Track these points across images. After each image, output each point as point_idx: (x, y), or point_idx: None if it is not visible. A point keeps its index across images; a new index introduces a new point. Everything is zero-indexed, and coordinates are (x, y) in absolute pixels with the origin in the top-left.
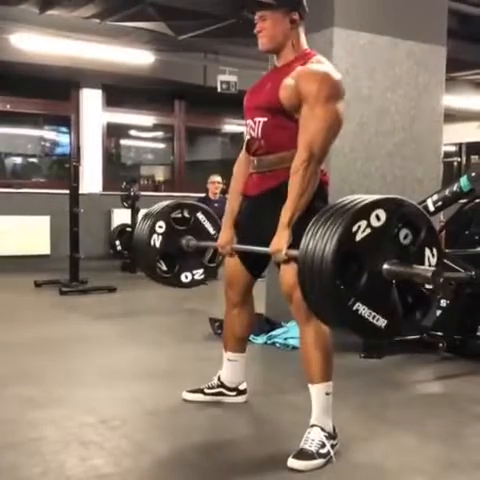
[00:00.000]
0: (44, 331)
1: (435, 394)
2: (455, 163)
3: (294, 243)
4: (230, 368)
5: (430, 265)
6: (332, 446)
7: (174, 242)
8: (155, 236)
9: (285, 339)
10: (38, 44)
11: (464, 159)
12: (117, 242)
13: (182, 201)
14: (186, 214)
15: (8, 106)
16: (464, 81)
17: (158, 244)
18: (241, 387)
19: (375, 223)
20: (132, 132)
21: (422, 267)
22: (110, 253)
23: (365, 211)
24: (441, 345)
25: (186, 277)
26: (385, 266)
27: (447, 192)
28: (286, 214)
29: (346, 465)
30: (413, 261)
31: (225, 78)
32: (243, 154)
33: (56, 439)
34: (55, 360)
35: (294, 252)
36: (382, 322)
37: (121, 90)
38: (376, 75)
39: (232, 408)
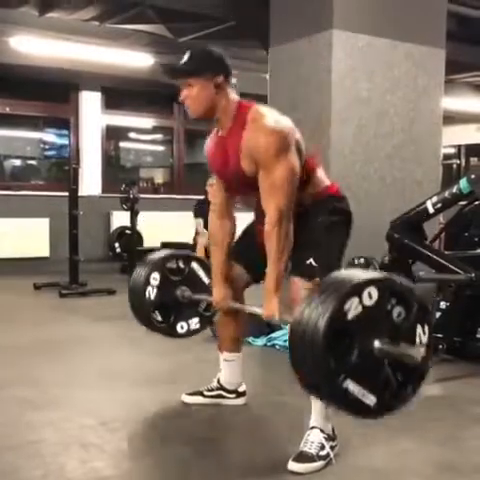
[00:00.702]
0: (43, 333)
1: (435, 396)
2: (454, 165)
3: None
4: (228, 369)
5: (421, 342)
6: (331, 447)
7: (169, 293)
8: (150, 288)
9: (285, 341)
10: (37, 47)
11: (463, 161)
12: (116, 244)
13: (177, 252)
14: (181, 264)
15: (7, 108)
16: (463, 83)
17: (153, 296)
18: (240, 389)
19: (367, 301)
20: (131, 134)
21: (413, 349)
22: (109, 255)
23: (358, 289)
24: (441, 347)
25: (182, 327)
26: (376, 344)
27: (447, 194)
28: (271, 281)
29: (346, 467)
30: (404, 338)
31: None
32: (217, 217)
33: (56, 441)
34: (54, 362)
35: (288, 317)
36: (371, 400)
37: (120, 92)
38: (375, 77)
39: (231, 410)
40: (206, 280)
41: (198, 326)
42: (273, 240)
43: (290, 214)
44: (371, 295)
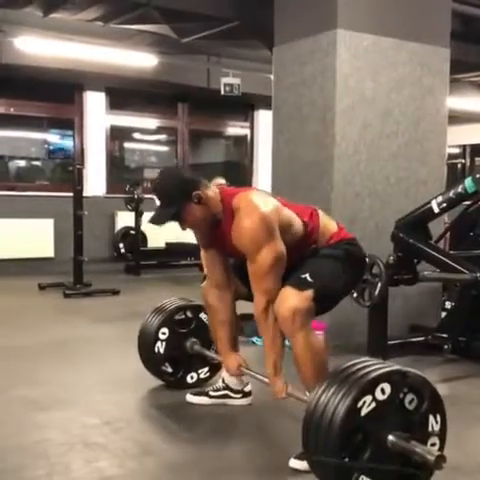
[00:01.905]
0: (48, 334)
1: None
2: (459, 165)
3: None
4: None
5: (434, 431)
6: None
7: (178, 345)
8: (159, 343)
9: (287, 341)
10: (42, 47)
11: (468, 161)
12: (121, 245)
13: (185, 303)
14: (189, 315)
15: (12, 109)
16: (468, 83)
17: (162, 350)
18: (246, 389)
19: (380, 397)
20: (136, 135)
21: (426, 449)
22: (114, 256)
23: (370, 386)
24: (446, 347)
25: (192, 378)
26: (390, 438)
27: (451, 194)
28: (269, 365)
29: None
30: (417, 428)
31: (228, 81)
32: (216, 290)
33: (61, 441)
34: (59, 363)
35: (296, 393)
36: None
37: (125, 93)
38: (380, 77)
39: (236, 410)
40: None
41: (208, 375)
42: (263, 328)
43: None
44: (384, 391)
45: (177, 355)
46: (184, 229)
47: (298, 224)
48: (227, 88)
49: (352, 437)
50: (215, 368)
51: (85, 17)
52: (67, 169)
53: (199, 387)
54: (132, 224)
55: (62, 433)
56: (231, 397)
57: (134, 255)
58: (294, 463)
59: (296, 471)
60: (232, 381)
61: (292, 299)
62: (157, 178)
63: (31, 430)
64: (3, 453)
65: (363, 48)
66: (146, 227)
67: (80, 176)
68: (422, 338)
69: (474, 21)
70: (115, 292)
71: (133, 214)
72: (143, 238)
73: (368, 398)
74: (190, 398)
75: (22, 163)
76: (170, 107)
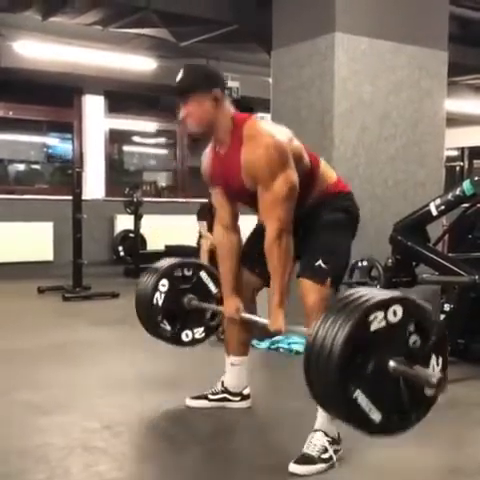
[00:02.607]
0: (48, 337)
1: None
2: (457, 167)
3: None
4: (234, 373)
5: (433, 373)
6: (335, 451)
7: (176, 300)
8: (158, 294)
9: (289, 344)
10: (41, 51)
11: (467, 163)
12: (120, 248)
13: (186, 260)
14: (189, 272)
15: (11, 113)
16: (466, 85)
17: (160, 302)
18: (245, 392)
19: (391, 318)
20: (135, 138)
21: (429, 371)
22: (113, 259)
23: (385, 303)
24: None
25: (187, 336)
26: (392, 364)
27: (450, 196)
28: (276, 296)
29: (348, 471)
30: (419, 363)
31: (227, 84)
32: (223, 229)
33: (61, 445)
34: (59, 366)
35: (296, 328)
36: (376, 417)
37: (123, 96)
38: (378, 80)
39: (236, 413)
40: (213, 289)
41: (203, 335)
42: (274, 256)
43: (290, 228)
44: (396, 313)
45: (174, 310)
46: (182, 117)
47: (306, 157)
48: (226, 91)
49: (356, 351)
50: (210, 330)
51: (84, 21)
52: (66, 172)
53: (193, 345)
54: (131, 227)
55: (62, 437)
56: (230, 400)
57: (133, 258)
58: (293, 468)
59: (295, 475)
60: (231, 384)
61: (314, 294)
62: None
63: (32, 434)
64: (4, 457)
65: (361, 51)
66: (145, 230)
67: (79, 179)
68: None
69: (472, 24)
70: (114, 295)
71: (132, 217)
72: (142, 241)
73: (380, 314)
74: (189, 402)
75: (21, 166)
76: (169, 110)
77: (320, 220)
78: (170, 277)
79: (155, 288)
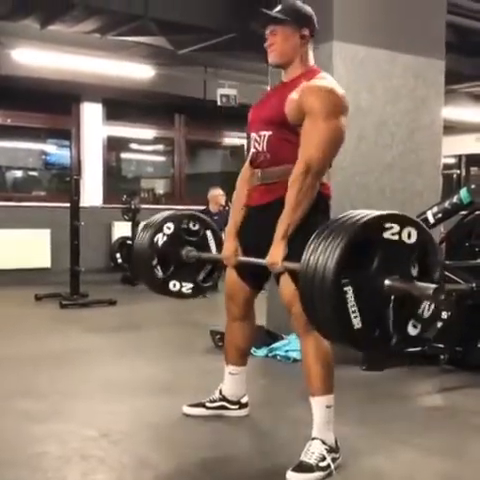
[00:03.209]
0: (45, 345)
1: (437, 407)
2: (455, 175)
3: (291, 254)
4: (232, 381)
5: (422, 315)
6: (333, 459)
7: (176, 247)
8: (160, 235)
9: (286, 351)
10: (39, 59)
11: (464, 171)
12: (118, 255)
13: (196, 214)
14: (195, 227)
15: (9, 120)
16: (463, 93)
17: (160, 243)
18: (243, 400)
19: (405, 237)
20: (132, 145)
21: (424, 284)
22: (111, 266)
23: (403, 220)
24: (442, 357)
25: (174, 286)
26: (387, 281)
27: (447, 204)
28: (281, 227)
29: (348, 478)
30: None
31: (225, 91)
32: (246, 167)
33: (58, 454)
34: (56, 374)
35: (291, 264)
36: (357, 322)
37: (121, 104)
38: (375, 88)
39: (233, 421)
40: (214, 250)
41: (190, 292)
42: (295, 189)
43: (320, 174)
44: (410, 235)
45: (171, 255)
46: (268, 46)
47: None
48: (223, 99)
49: (359, 252)
50: (199, 290)
51: (82, 29)
52: (64, 179)
53: (177, 298)
54: (129, 234)
55: (59, 445)
56: (228, 408)
57: (131, 265)
58: (291, 476)
59: None
60: (230, 393)
61: (290, 285)
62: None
63: (28, 442)
64: None
65: (358, 60)
66: None
67: (77, 186)
68: (418, 348)
69: (469, 33)
70: (112, 302)
71: (130, 224)
72: None
73: (396, 227)
74: (187, 410)
75: (19, 173)
76: (167, 118)
77: (306, 222)
78: (177, 223)
79: (160, 228)
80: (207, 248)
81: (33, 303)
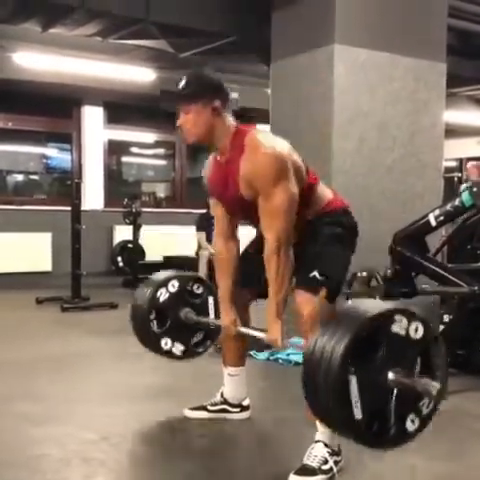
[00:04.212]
0: (46, 348)
1: (439, 410)
2: (456, 178)
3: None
4: (232, 383)
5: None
6: (335, 463)
7: (176, 306)
8: (163, 290)
9: (287, 355)
10: (40, 62)
11: (465, 174)
12: (119, 258)
13: (203, 278)
14: (199, 290)
15: (10, 123)
16: (464, 97)
17: (162, 298)
18: (244, 403)
19: (412, 331)
20: (133, 149)
21: (428, 381)
22: (112, 269)
23: (412, 315)
24: None
25: (166, 343)
26: (391, 374)
27: (449, 207)
28: (272, 306)
29: None
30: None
31: (230, 95)
32: (222, 241)
33: (58, 456)
34: (56, 377)
35: (292, 340)
36: (358, 413)
37: (122, 107)
38: (376, 91)
39: (235, 424)
40: (212, 317)
41: (179, 354)
42: (272, 267)
43: (289, 240)
44: (417, 329)
45: (169, 314)
46: (181, 125)
47: (304, 171)
48: (227, 101)
49: (365, 343)
50: (190, 353)
51: (83, 32)
52: (65, 183)
53: (165, 357)
54: (130, 238)
55: (59, 448)
56: (229, 411)
57: (132, 269)
58: (294, 479)
59: None
60: (230, 395)
61: (308, 305)
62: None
63: (27, 445)
64: None
65: (360, 63)
66: (144, 241)
67: (78, 190)
68: None
69: (470, 36)
70: (113, 306)
71: (131, 228)
72: (141, 252)
73: (404, 321)
74: (188, 413)
75: (20, 177)
76: (168, 121)
77: (317, 235)
78: (183, 283)
79: (165, 284)
80: (206, 314)
81: (34, 306)
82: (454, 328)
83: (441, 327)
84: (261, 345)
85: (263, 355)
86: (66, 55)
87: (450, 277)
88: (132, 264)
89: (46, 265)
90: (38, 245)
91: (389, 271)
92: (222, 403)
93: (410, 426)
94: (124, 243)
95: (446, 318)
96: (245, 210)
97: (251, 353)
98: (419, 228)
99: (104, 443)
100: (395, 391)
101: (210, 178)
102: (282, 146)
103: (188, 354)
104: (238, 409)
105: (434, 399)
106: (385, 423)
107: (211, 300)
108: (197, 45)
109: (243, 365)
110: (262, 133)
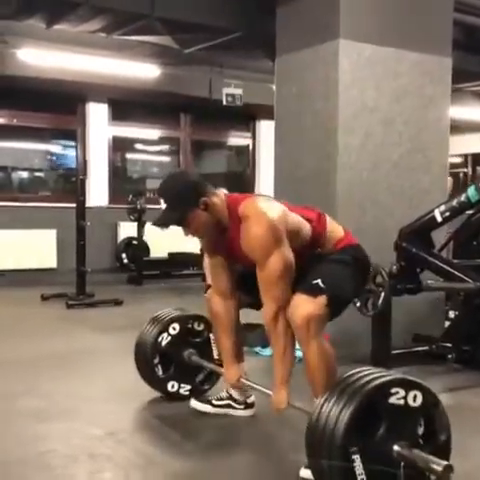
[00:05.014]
0: (51, 345)
1: (444, 405)
2: (461, 174)
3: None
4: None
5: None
6: None
7: (178, 348)
8: (165, 334)
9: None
10: (45, 59)
11: (470, 170)
12: (123, 255)
13: (202, 316)
14: (200, 327)
15: (15, 120)
16: (471, 92)
17: (164, 343)
18: (249, 400)
19: (411, 400)
20: (138, 145)
21: (433, 459)
22: (117, 266)
23: (409, 384)
24: (450, 356)
25: (173, 386)
26: (396, 446)
27: (454, 203)
28: (278, 374)
29: None
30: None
31: (230, 91)
32: (221, 299)
33: (65, 452)
34: (62, 374)
35: (297, 404)
36: None
37: (127, 104)
38: (381, 86)
39: (240, 421)
40: (216, 355)
41: (187, 393)
42: (273, 336)
43: (287, 303)
44: (416, 398)
45: (172, 356)
46: (187, 235)
47: (306, 229)
48: (229, 98)
49: (366, 420)
50: (197, 392)
51: (87, 28)
52: (70, 180)
53: (174, 398)
54: (135, 234)
55: (66, 444)
56: (234, 407)
57: (137, 265)
58: (305, 473)
59: None
60: (235, 391)
61: (305, 306)
62: (164, 181)
63: (34, 441)
64: (6, 465)
65: (365, 58)
66: (149, 237)
67: (83, 187)
68: (426, 347)
69: (476, 31)
70: (118, 302)
71: (136, 224)
72: (146, 248)
73: (401, 392)
74: (194, 403)
75: (25, 174)
76: (172, 118)
77: (326, 258)
78: (183, 323)
79: (166, 328)
80: (209, 352)
81: (39, 303)
82: (459, 324)
83: (446, 323)
84: (266, 338)
85: (268, 351)
86: (70, 51)
87: (455, 273)
88: (137, 261)
89: (51, 262)
90: (43, 242)
91: (394, 267)
92: (227, 399)
93: None
94: (129, 240)
95: (451, 314)
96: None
97: (256, 350)
98: (425, 224)
99: (110, 439)
100: (402, 464)
101: (214, 244)
102: (274, 212)
103: (195, 392)
104: (243, 406)
105: (441, 478)
106: None
107: (213, 337)
108: (202, 41)
109: (242, 361)
110: (254, 200)
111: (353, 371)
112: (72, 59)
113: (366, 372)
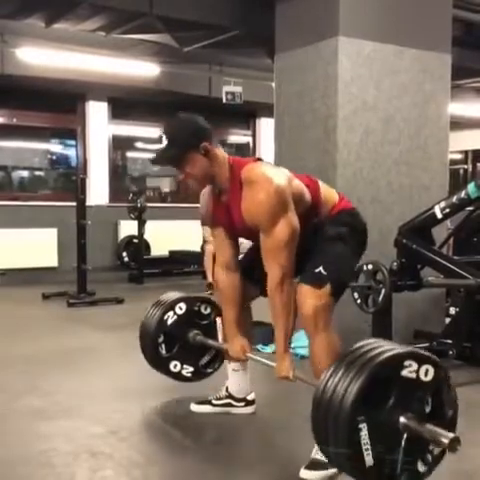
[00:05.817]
0: (52, 343)
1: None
2: (461, 170)
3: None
4: (236, 378)
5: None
6: None
7: (184, 328)
8: (171, 313)
9: (293, 348)
10: (44, 58)
11: (471, 166)
12: (124, 253)
13: (212, 299)
14: (206, 311)
15: (15, 119)
16: (470, 88)
17: (169, 321)
18: (249, 398)
19: (422, 374)
20: (138, 144)
21: (440, 430)
22: (117, 264)
23: (422, 358)
24: (451, 353)
25: (175, 366)
26: (402, 418)
27: (455, 199)
28: (280, 342)
29: None
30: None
31: (230, 89)
32: (225, 273)
33: (66, 450)
34: (64, 372)
35: (301, 375)
36: (369, 460)
37: (127, 102)
38: (381, 83)
39: (240, 419)
40: (220, 339)
41: (189, 375)
42: (276, 302)
43: (292, 272)
44: (428, 372)
45: (177, 336)
46: (180, 181)
47: (307, 194)
48: (229, 96)
49: (375, 389)
50: (199, 375)
51: (87, 27)
52: (70, 179)
53: (177, 380)
54: (135, 233)
55: (67, 442)
56: (234, 406)
57: (137, 264)
58: (304, 473)
59: None
60: (235, 390)
61: (312, 299)
62: (170, 119)
63: (36, 439)
64: (9, 463)
65: (364, 55)
66: (149, 235)
67: (83, 185)
68: (426, 344)
69: (475, 27)
70: (119, 301)
71: (136, 223)
72: (146, 246)
73: (414, 365)
74: (194, 407)
75: (25, 173)
76: (172, 116)
77: (323, 236)
78: (190, 305)
79: (172, 307)
80: (214, 335)
81: (40, 302)
82: (460, 320)
83: (447, 320)
84: (267, 336)
85: (270, 349)
86: (70, 50)
87: (456, 269)
88: (137, 259)
89: (52, 261)
90: (44, 241)
91: (395, 264)
92: (227, 397)
93: (421, 467)
94: (129, 238)
95: (452, 310)
96: (253, 234)
97: (258, 347)
98: (425, 220)
99: (112, 437)
100: (406, 435)
101: (212, 213)
102: (279, 177)
103: (197, 375)
104: (243, 403)
105: (448, 449)
106: (396, 467)
107: (219, 321)
108: (201, 39)
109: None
110: (258, 165)
111: (362, 343)
112: (71, 58)
113: (377, 344)
